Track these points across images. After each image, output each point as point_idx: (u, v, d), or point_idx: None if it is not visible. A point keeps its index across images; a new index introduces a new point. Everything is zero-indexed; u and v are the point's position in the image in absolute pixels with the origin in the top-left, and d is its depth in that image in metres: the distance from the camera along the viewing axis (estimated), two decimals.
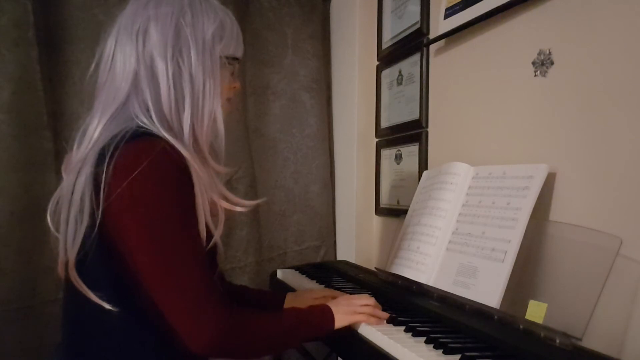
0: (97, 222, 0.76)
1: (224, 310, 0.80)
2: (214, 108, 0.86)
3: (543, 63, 1.06)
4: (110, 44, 0.86)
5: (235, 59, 0.93)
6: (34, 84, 1.45)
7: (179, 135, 0.82)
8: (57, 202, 0.84)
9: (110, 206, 0.76)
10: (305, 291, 1.25)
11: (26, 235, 1.42)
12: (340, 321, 0.94)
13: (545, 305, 0.88)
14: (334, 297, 1.12)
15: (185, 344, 0.79)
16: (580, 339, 0.80)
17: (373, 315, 0.97)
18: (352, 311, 0.96)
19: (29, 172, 1.44)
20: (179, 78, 0.83)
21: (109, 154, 0.76)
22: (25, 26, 1.43)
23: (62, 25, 1.53)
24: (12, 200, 1.41)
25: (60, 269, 0.85)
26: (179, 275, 0.78)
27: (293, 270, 1.58)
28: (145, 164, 0.74)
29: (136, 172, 0.74)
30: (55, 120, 1.51)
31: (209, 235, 0.84)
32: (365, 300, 1.00)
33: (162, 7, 0.84)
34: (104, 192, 0.75)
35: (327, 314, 0.94)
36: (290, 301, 1.18)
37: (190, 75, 0.84)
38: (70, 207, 0.79)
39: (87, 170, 0.78)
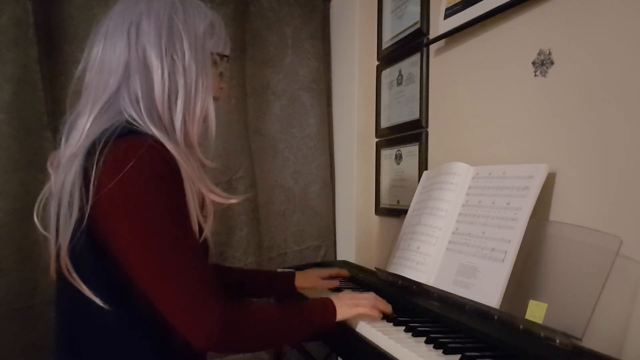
0: (86, 216, 0.76)
1: (224, 304, 0.80)
2: (206, 102, 0.88)
3: (543, 63, 1.06)
4: (99, 40, 0.87)
5: (225, 56, 0.94)
6: (34, 84, 1.45)
7: (168, 128, 0.83)
8: (45, 201, 0.84)
9: (99, 202, 0.76)
10: (313, 270, 1.34)
11: (26, 235, 1.42)
12: (342, 314, 0.95)
13: (545, 305, 0.88)
14: (339, 275, 1.30)
15: (185, 340, 0.79)
16: (580, 339, 0.80)
17: (375, 308, 0.98)
18: (354, 304, 0.97)
19: (29, 172, 1.44)
20: (172, 71, 0.84)
21: (99, 148, 0.76)
22: (25, 26, 1.43)
23: (62, 25, 1.53)
24: (12, 200, 1.41)
25: (52, 269, 0.85)
26: (176, 271, 0.77)
27: (293, 270, 1.58)
28: (134, 161, 0.74)
29: (125, 171, 0.74)
30: (55, 120, 1.51)
31: (200, 230, 0.84)
32: (367, 295, 1.02)
33: (154, 4, 0.86)
34: (93, 186, 0.75)
35: (329, 307, 0.95)
36: (299, 279, 1.26)
37: (184, 69, 0.85)
38: (61, 202, 0.79)
39: (77, 165, 0.78)
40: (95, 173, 0.75)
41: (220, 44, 0.92)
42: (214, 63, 0.92)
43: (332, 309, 0.94)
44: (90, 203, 0.75)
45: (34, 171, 1.44)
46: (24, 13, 1.42)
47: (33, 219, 1.44)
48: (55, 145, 1.45)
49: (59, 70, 1.52)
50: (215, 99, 0.95)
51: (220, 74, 0.95)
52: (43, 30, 1.48)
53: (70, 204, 0.77)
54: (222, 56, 0.93)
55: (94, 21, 1.52)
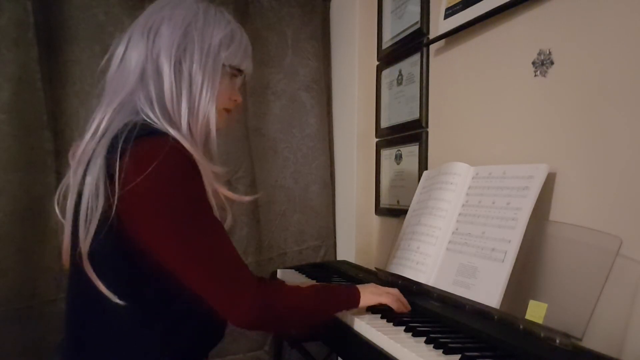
0: (113, 209, 0.77)
1: (260, 281, 0.84)
2: (208, 110, 0.89)
3: (543, 63, 1.06)
4: (124, 41, 0.89)
5: (240, 70, 0.95)
6: (34, 84, 1.45)
7: (180, 129, 0.85)
8: (65, 190, 0.86)
9: (123, 198, 0.77)
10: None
11: (26, 235, 1.42)
12: (365, 299, 0.99)
13: (545, 305, 0.88)
14: None
15: (226, 319, 0.83)
16: (580, 339, 0.80)
17: (398, 301, 1.01)
18: (379, 292, 1.01)
19: (29, 172, 1.44)
20: (179, 77, 0.87)
21: (122, 142, 0.77)
22: (25, 26, 1.43)
23: (62, 25, 1.53)
24: (12, 200, 1.42)
25: (65, 258, 0.86)
26: (212, 251, 0.81)
27: (293, 270, 1.58)
28: (159, 160, 0.76)
29: (151, 168, 0.76)
30: (55, 120, 1.51)
31: None
32: (389, 289, 1.04)
33: (177, 11, 0.88)
34: (119, 180, 0.76)
35: (354, 291, 0.99)
36: None
37: (190, 76, 0.87)
38: (82, 194, 0.80)
39: (100, 158, 0.79)
40: (120, 169, 0.76)
41: (237, 57, 0.93)
42: (229, 75, 0.93)
43: (357, 294, 0.98)
44: (117, 195, 0.77)
45: (34, 171, 1.44)
46: (24, 13, 1.42)
47: (33, 219, 1.44)
48: (55, 146, 1.47)
49: (59, 70, 1.52)
50: (227, 110, 0.98)
51: (234, 87, 0.96)
52: (43, 30, 1.48)
53: (95, 197, 0.79)
54: (237, 69, 0.94)
55: (94, 21, 1.54)
